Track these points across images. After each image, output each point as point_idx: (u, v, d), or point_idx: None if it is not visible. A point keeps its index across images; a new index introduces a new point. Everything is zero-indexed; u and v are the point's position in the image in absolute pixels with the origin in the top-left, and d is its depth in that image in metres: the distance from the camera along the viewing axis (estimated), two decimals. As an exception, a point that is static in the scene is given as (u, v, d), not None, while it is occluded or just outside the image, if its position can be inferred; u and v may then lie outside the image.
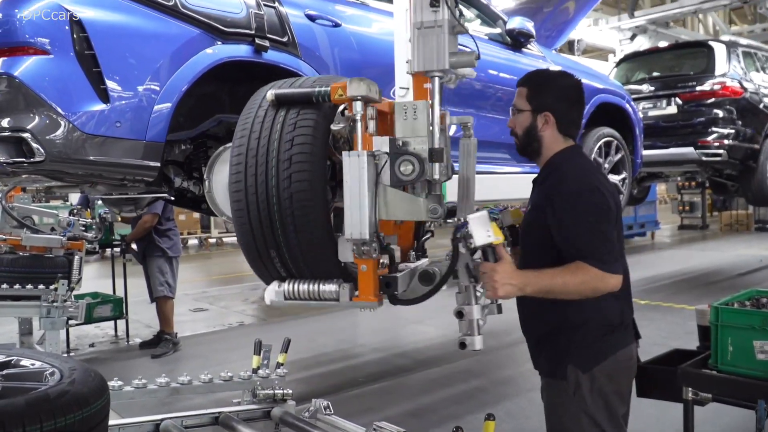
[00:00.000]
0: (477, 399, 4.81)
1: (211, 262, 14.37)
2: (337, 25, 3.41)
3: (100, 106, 2.66)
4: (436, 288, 2.18)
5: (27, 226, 5.47)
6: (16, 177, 3.02)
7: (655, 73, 8.24)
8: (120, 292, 7.18)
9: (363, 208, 2.05)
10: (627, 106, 5.61)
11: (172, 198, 3.58)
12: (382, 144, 2.13)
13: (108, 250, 7.62)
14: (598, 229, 2.11)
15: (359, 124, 2.08)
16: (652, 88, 7.75)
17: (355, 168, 2.05)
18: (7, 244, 5.16)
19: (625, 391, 2.28)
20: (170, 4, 2.85)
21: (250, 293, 9.89)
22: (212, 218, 16.14)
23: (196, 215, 15.90)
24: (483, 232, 1.98)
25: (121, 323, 7.19)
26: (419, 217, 2.16)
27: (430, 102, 2.22)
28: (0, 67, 2.65)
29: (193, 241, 16.50)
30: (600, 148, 5.08)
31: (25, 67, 2.61)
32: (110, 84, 2.67)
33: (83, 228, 5.59)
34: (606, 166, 5.19)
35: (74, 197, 17.20)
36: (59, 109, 2.59)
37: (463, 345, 2.09)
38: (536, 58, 4.78)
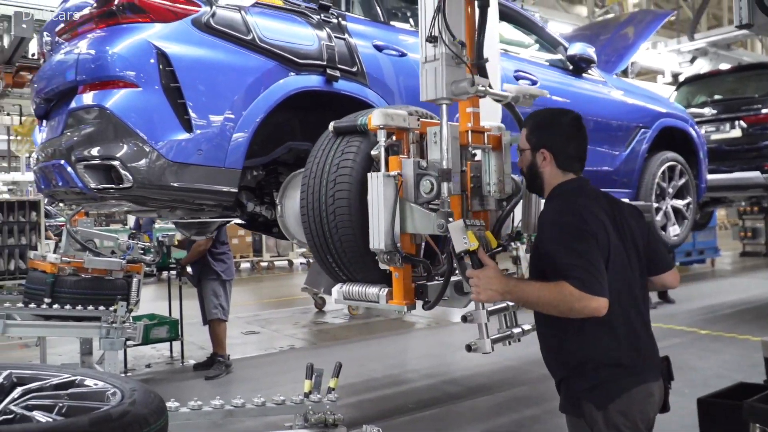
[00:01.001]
0: (530, 429, 4.74)
1: (263, 285, 14.56)
2: (403, 55, 3.50)
3: (184, 136, 2.83)
4: (441, 292, 2.39)
5: (89, 249, 5.67)
6: (101, 202, 3.21)
7: (717, 96, 8.04)
8: (175, 314, 7.34)
9: (381, 222, 2.32)
10: (691, 129, 5.49)
11: (245, 222, 3.72)
12: (407, 165, 2.36)
13: (164, 273, 7.81)
14: (576, 249, 2.11)
15: (382, 149, 2.35)
16: (715, 112, 7.55)
17: (375, 187, 2.34)
18: (70, 267, 5.35)
19: (642, 427, 2.23)
20: (249, 38, 3.01)
21: (301, 317, 9.96)
22: (264, 242, 16.40)
23: (248, 239, 16.19)
24: (460, 239, 2.14)
25: (176, 344, 7.33)
26: (430, 231, 2.32)
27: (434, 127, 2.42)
28: (92, 100, 2.84)
29: (245, 265, 16.76)
30: (663, 172, 5.01)
31: (116, 99, 2.78)
32: (193, 114, 2.83)
33: (142, 251, 5.77)
34: (670, 190, 5.10)
35: (130, 221, 17.73)
36: (146, 139, 2.76)
37: (468, 348, 2.30)
38: (597, 83, 4.74)
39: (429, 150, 2.42)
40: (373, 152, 2.44)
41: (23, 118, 11.45)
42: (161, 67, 2.81)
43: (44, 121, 3.52)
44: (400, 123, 2.39)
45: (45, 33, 3.51)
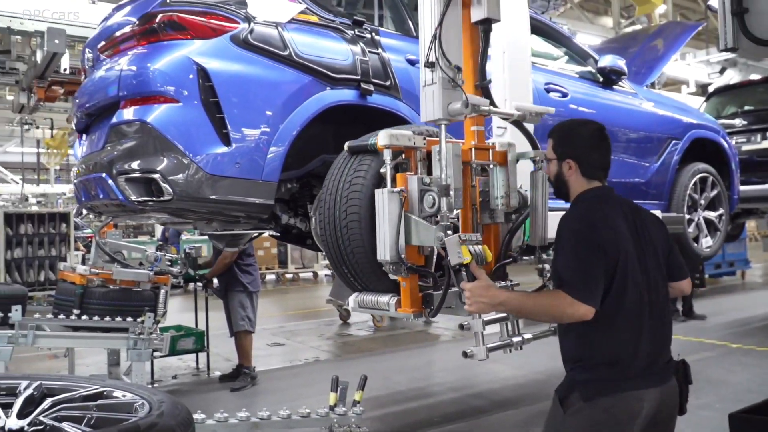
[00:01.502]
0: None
1: (288, 297, 14.62)
2: None
3: (222, 149, 2.89)
4: (441, 301, 2.49)
5: (118, 261, 5.74)
6: (140, 214, 3.28)
7: (747, 107, 7.98)
8: (202, 326, 7.38)
9: (386, 234, 2.45)
10: (722, 140, 5.45)
11: (279, 234, 3.77)
12: (411, 182, 2.49)
13: (191, 285, 7.87)
14: (579, 258, 2.25)
15: (388, 167, 2.48)
16: (745, 122, 7.50)
17: (381, 202, 2.47)
18: (99, 278, 5.41)
19: (626, 428, 2.28)
20: (285, 53, 3.08)
21: (326, 329, 9.97)
22: (289, 254, 16.47)
23: (274, 251, 16.27)
24: (454, 253, 2.29)
25: (202, 356, 7.37)
26: (431, 243, 2.43)
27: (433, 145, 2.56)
28: (134, 114, 2.92)
29: (270, 277, 16.84)
30: (695, 184, 4.98)
31: (157, 114, 2.87)
32: (231, 128, 2.90)
33: (169, 263, 5.82)
34: (702, 202, 5.07)
35: (158, 232, 17.93)
36: (186, 152, 2.84)
37: (465, 354, 2.42)
38: (627, 94, 4.73)
39: (433, 167, 2.55)
40: (382, 170, 2.55)
41: (54, 132, 11.65)
42: (201, 82, 2.89)
43: (84, 135, 3.61)
44: (405, 142, 2.53)
45: (87, 49, 3.60)
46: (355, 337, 9.43)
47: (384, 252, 2.47)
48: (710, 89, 9.42)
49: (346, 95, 3.18)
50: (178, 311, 9.40)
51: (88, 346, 5.80)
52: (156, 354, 5.41)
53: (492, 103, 2.70)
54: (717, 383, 6.08)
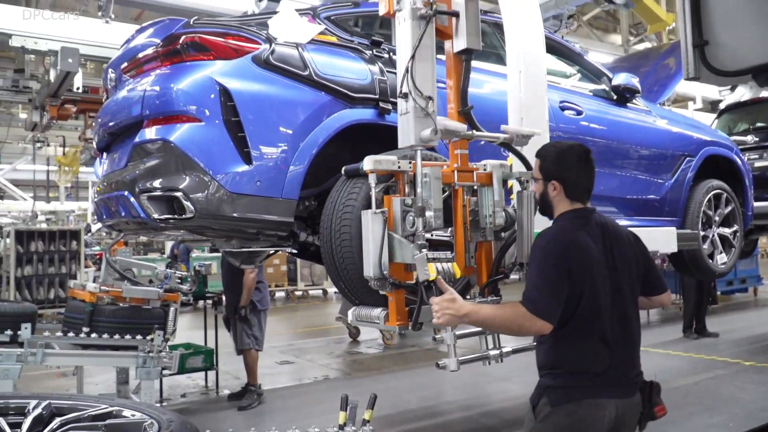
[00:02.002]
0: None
1: (298, 314, 14.59)
2: None
3: (244, 168, 2.94)
4: (417, 315, 2.61)
5: (128, 278, 5.74)
6: (161, 231, 3.34)
7: (759, 124, 8.02)
8: (211, 344, 7.36)
9: (369, 252, 2.60)
10: (735, 157, 5.47)
11: (296, 251, 3.82)
12: (395, 204, 2.63)
13: (201, 302, 7.85)
14: (543, 276, 2.37)
15: (373, 190, 2.63)
16: (757, 139, 7.53)
17: (366, 222, 2.62)
18: (109, 296, 5.41)
19: None
20: (305, 73, 3.14)
21: (335, 347, 9.94)
22: (299, 271, 16.46)
23: (283, 268, 16.27)
24: (422, 269, 2.45)
25: (211, 374, 7.35)
26: (409, 261, 2.57)
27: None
28: (157, 134, 2.98)
29: (280, 294, 16.82)
30: (709, 200, 5.00)
31: (180, 133, 2.92)
32: (253, 147, 2.95)
33: (179, 280, 5.82)
34: (716, 218, 5.09)
35: (168, 249, 17.96)
36: (208, 171, 2.89)
37: (437, 365, 2.57)
38: (641, 112, 4.77)
39: (417, 189, 2.67)
40: (371, 192, 2.68)
41: (66, 149, 11.75)
42: (223, 102, 2.94)
43: (104, 154, 3.67)
44: (389, 167, 2.66)
45: (109, 70, 3.66)
46: (365, 355, 9.39)
47: (369, 269, 2.62)
48: (721, 106, 9.39)
49: (365, 114, 3.23)
50: (187, 329, 9.40)
51: (96, 364, 5.79)
52: (165, 372, 5.39)
53: (475, 128, 2.90)
54: (730, 401, 6.02)
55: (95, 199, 3.66)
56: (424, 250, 2.52)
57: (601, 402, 2.41)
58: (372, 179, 2.64)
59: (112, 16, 5.84)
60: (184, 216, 2.91)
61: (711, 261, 4.98)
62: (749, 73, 3.04)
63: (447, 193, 2.85)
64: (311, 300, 16.78)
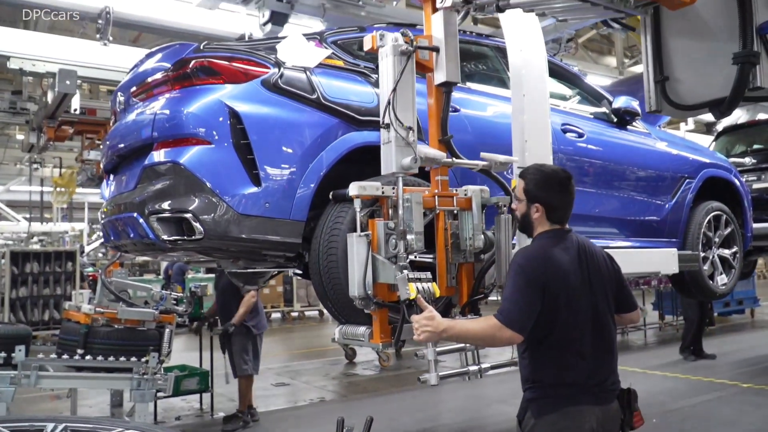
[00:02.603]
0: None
1: (293, 335, 14.55)
2: (456, 111, 3.65)
3: (253, 189, 2.99)
4: (399, 332, 2.72)
5: (123, 299, 5.72)
6: (168, 252, 3.37)
7: (756, 146, 8.11)
8: (206, 365, 7.31)
9: (353, 273, 2.71)
10: (734, 179, 5.55)
11: (301, 271, 3.86)
12: (378, 227, 2.74)
13: (196, 323, 7.81)
14: (517, 290, 2.52)
15: (357, 214, 2.74)
16: (755, 161, 7.63)
17: (351, 245, 2.74)
18: (104, 317, 5.38)
19: None
20: (313, 97, 3.21)
21: (331, 368, 9.90)
22: (295, 292, 16.41)
23: (279, 289, 16.22)
24: (403, 289, 2.58)
25: (206, 396, 7.30)
26: (392, 281, 2.67)
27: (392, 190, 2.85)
28: (167, 156, 3.03)
29: (276, 315, 16.78)
30: (709, 222, 5.06)
31: (190, 155, 2.97)
32: (261, 169, 3.00)
33: (174, 302, 5.80)
34: (716, 240, 5.15)
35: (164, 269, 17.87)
36: (218, 192, 2.94)
37: (419, 380, 2.71)
38: (641, 134, 4.84)
39: (399, 213, 2.81)
40: (357, 216, 2.79)
41: (63, 170, 11.77)
42: (232, 125, 3.00)
43: (111, 176, 3.71)
44: (373, 192, 2.80)
45: (119, 93, 3.71)
46: (361, 377, 9.35)
47: (353, 288, 2.72)
48: (718, 128, 9.47)
49: (371, 136, 3.26)
50: (182, 350, 9.36)
51: (91, 386, 5.75)
52: (159, 395, 5.35)
53: (455, 156, 3.07)
54: (729, 424, 6.00)
55: (102, 221, 3.69)
56: (405, 271, 2.64)
57: (583, 409, 2.54)
58: (357, 204, 2.76)
59: (110, 38, 5.87)
60: (193, 237, 2.95)
61: (711, 282, 5.03)
62: (705, 107, 3.38)
63: (430, 217, 2.98)
64: (307, 321, 16.74)
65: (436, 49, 3.07)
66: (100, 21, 5.52)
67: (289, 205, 3.05)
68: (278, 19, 4.66)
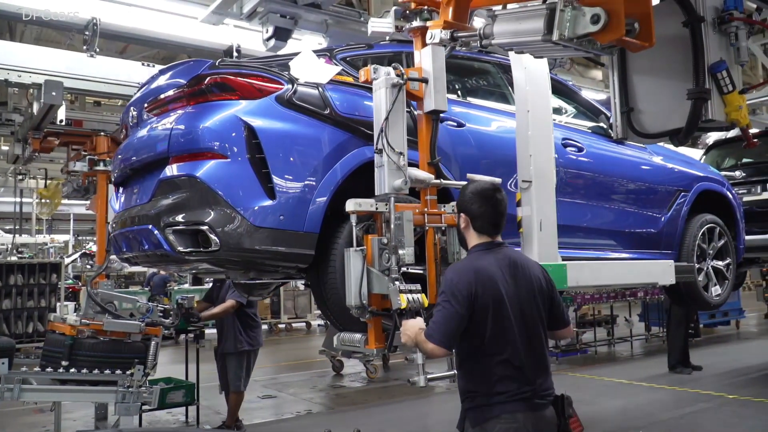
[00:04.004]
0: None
1: (281, 347, 14.49)
2: (461, 125, 3.80)
3: (268, 202, 3.09)
4: (392, 338, 2.95)
5: (109, 311, 5.66)
6: (181, 264, 3.49)
7: (746, 159, 8.28)
8: (192, 378, 7.25)
9: (351, 284, 2.92)
10: (727, 192, 5.72)
11: (308, 284, 3.95)
12: (373, 243, 2.94)
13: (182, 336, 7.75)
14: (442, 305, 2.67)
15: (354, 229, 2.97)
16: (744, 174, 7.80)
17: (348, 258, 2.95)
18: (89, 329, 5.33)
19: None
20: (326, 112, 3.33)
21: (319, 380, 9.88)
22: (282, 304, 16.35)
23: (267, 301, 16.12)
24: (396, 300, 2.81)
25: (192, 409, 7.24)
26: (385, 291, 2.88)
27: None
28: (184, 170, 3.13)
29: (263, 327, 16.66)
30: (703, 234, 5.21)
31: (206, 169, 3.07)
32: (277, 182, 3.10)
33: (161, 314, 5.74)
34: (710, 251, 5.29)
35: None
36: (234, 205, 3.03)
37: (409, 381, 2.88)
38: (637, 148, 4.98)
39: (392, 228, 3.01)
40: (354, 231, 2.99)
41: (48, 182, 11.66)
42: (248, 139, 3.10)
43: (121, 189, 3.79)
44: (367, 208, 3.01)
45: (131, 108, 3.78)
46: (349, 389, 9.33)
47: (350, 298, 2.93)
48: (708, 142, 9.56)
49: None
50: (168, 363, 9.28)
51: (75, 400, 5.69)
52: (145, 408, 5.30)
53: (443, 177, 3.28)
54: (714, 436, 6.01)
55: (113, 233, 3.74)
56: (397, 282, 2.85)
57: (517, 416, 2.66)
58: (353, 219, 2.96)
59: (97, 49, 5.86)
60: (209, 249, 3.03)
61: (706, 293, 5.18)
62: (665, 135, 3.71)
63: (420, 233, 3.16)
64: (295, 333, 16.70)
65: (425, 80, 3.25)
66: (87, 32, 5.51)
67: (302, 218, 3.14)
68: (281, 34, 4.76)
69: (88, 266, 16.29)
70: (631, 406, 7.42)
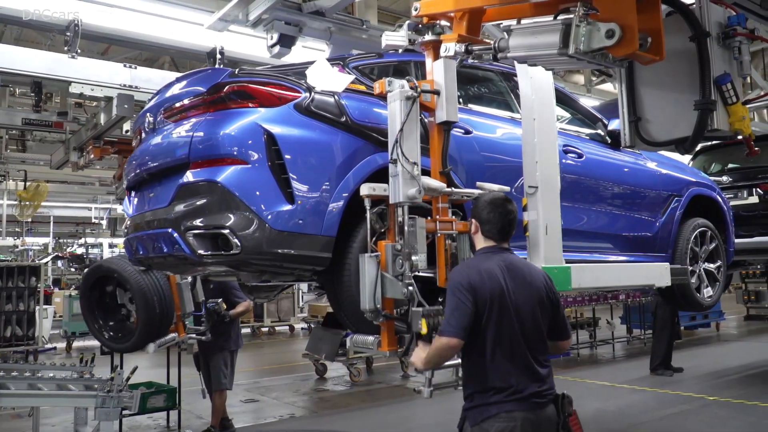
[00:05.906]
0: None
1: (264, 351, 14.45)
2: (467, 132, 3.96)
3: (287, 207, 3.20)
4: (409, 344, 3.11)
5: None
6: (198, 267, 3.58)
7: (732, 165, 8.52)
8: (174, 382, 7.19)
9: (366, 289, 3.04)
10: (718, 197, 5.95)
11: (322, 286, 4.07)
12: (387, 249, 3.08)
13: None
14: (450, 303, 2.82)
15: (368, 212, 3.14)
16: (731, 179, 8.03)
17: (362, 264, 3.09)
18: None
19: None
20: (342, 120, 3.46)
21: (302, 384, 9.87)
22: (265, 307, 16.25)
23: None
24: (417, 322, 2.97)
25: (173, 414, 7.20)
26: (400, 296, 3.03)
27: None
28: (204, 175, 3.23)
29: (246, 330, 16.59)
30: (696, 237, 5.43)
31: (227, 174, 3.18)
32: (296, 187, 3.22)
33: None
34: (702, 254, 5.51)
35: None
36: (254, 209, 3.14)
37: (414, 390, 3.08)
38: (633, 155, 5.18)
39: (405, 234, 3.15)
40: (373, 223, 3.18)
41: (28, 184, 11.56)
42: (268, 145, 3.21)
43: (133, 192, 3.89)
44: (381, 192, 3.17)
45: (147, 113, 3.86)
46: (332, 392, 9.33)
47: (364, 302, 3.05)
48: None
49: None
50: (149, 367, 9.19)
51: (54, 404, 5.60)
52: (125, 412, 5.24)
53: (454, 186, 3.40)
54: (695, 438, 6.06)
55: (127, 236, 3.82)
56: (410, 288, 3.01)
57: (515, 415, 2.77)
58: (367, 203, 3.13)
59: (79, 50, 5.81)
60: (231, 252, 3.14)
61: (698, 294, 5.38)
62: (672, 144, 3.88)
63: (431, 239, 3.27)
64: (278, 336, 16.65)
65: (438, 92, 3.39)
66: (68, 33, 5.46)
67: (320, 222, 3.25)
68: (286, 41, 4.90)
69: (72, 269, 16.06)
70: (613, 408, 7.49)
